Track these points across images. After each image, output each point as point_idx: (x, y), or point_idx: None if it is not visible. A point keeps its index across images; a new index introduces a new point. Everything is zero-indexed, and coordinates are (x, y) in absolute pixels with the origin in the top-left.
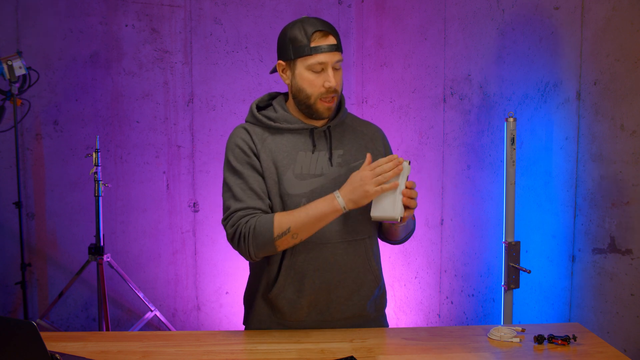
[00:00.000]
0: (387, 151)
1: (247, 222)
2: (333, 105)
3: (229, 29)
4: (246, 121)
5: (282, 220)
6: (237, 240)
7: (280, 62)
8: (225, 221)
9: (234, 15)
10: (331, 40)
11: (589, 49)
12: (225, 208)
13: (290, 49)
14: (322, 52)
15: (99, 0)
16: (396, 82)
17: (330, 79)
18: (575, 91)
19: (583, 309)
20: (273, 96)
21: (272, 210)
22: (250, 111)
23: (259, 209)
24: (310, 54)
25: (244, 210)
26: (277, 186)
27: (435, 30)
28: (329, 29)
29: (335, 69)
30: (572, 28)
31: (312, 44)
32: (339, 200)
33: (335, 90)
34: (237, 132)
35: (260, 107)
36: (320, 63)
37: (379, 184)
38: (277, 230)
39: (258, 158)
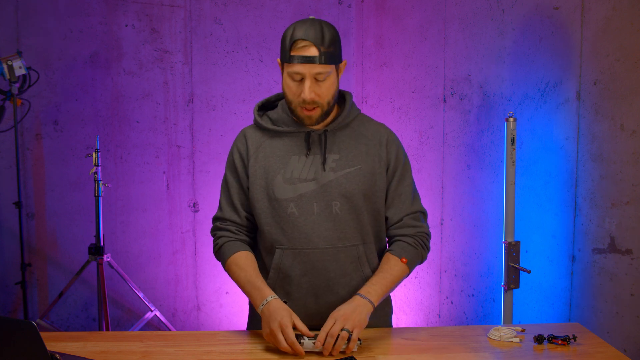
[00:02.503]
0: (389, 157)
1: (218, 238)
2: (314, 114)
3: (229, 29)
4: (253, 122)
5: (231, 268)
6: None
7: (278, 60)
8: (212, 222)
9: (234, 15)
10: (311, 52)
11: (589, 49)
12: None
13: (280, 50)
14: (298, 62)
15: (99, 0)
16: (396, 82)
17: (305, 92)
18: (575, 91)
19: (583, 309)
20: (281, 96)
21: (261, 215)
22: (253, 113)
23: (232, 221)
24: (289, 62)
25: (221, 222)
26: (265, 191)
27: (435, 30)
28: (313, 39)
29: (318, 80)
30: (572, 28)
31: (292, 52)
32: (259, 309)
33: (313, 102)
34: (236, 138)
35: (267, 108)
36: (297, 73)
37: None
38: (226, 268)
39: (247, 166)
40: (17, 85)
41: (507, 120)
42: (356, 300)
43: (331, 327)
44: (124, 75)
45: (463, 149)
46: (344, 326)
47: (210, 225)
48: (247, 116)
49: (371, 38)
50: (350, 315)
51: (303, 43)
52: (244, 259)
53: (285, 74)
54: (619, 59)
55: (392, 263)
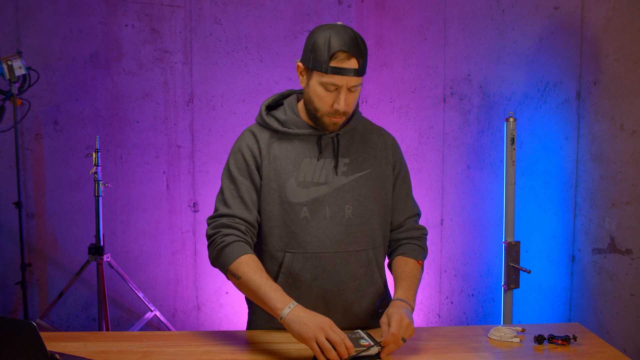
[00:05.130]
0: (395, 160)
1: (225, 235)
2: (341, 120)
3: (229, 29)
4: (256, 121)
5: (241, 267)
6: (209, 243)
7: (299, 64)
8: (210, 220)
9: (234, 15)
10: (352, 64)
11: (589, 49)
12: (215, 209)
13: (310, 57)
14: (338, 74)
15: (99, 0)
16: (396, 82)
17: (340, 103)
18: (575, 91)
19: (583, 309)
20: (285, 95)
21: (271, 218)
22: (260, 113)
23: (244, 219)
24: (326, 73)
25: (229, 218)
26: (277, 194)
27: (435, 30)
28: (354, 51)
29: (351, 91)
30: (572, 28)
31: (332, 63)
32: (285, 311)
33: (344, 112)
34: (244, 136)
35: (271, 107)
36: (333, 84)
37: (320, 349)
38: (232, 268)
39: (260, 166)
40: (17, 85)
41: (507, 120)
42: (404, 306)
43: (396, 333)
44: (124, 75)
45: (463, 149)
46: (404, 336)
47: None
48: (247, 116)
49: (371, 38)
50: (409, 325)
51: (343, 55)
52: (257, 262)
53: (315, 82)
54: (619, 59)
55: (412, 266)
